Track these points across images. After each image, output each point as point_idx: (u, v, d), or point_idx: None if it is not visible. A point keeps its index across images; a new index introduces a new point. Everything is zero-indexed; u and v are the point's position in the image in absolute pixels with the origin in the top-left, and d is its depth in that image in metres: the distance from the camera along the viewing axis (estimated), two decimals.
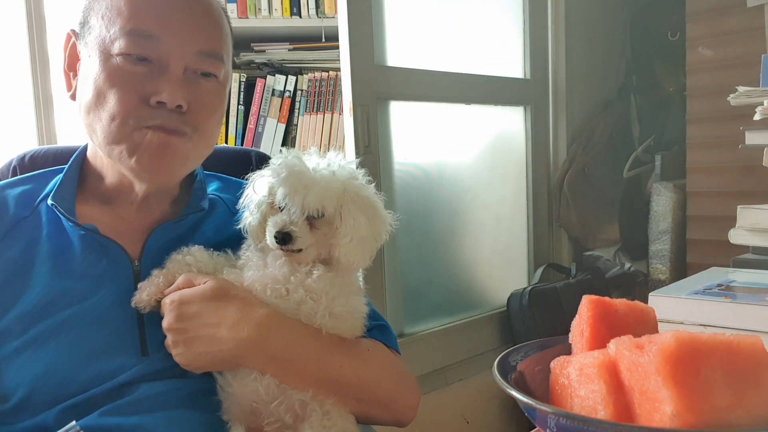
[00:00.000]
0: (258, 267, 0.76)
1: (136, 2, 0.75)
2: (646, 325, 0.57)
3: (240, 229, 0.80)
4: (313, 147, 0.80)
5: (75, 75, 0.82)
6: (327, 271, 0.75)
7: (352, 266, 0.77)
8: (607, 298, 0.57)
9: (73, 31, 0.82)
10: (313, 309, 0.74)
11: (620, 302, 0.58)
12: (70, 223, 0.78)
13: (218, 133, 0.86)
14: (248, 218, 0.78)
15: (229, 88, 0.86)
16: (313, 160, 0.76)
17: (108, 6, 0.76)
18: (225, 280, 0.75)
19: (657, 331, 0.58)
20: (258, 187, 0.78)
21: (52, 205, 0.79)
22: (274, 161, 0.76)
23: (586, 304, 0.57)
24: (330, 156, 0.78)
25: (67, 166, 0.85)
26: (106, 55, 0.75)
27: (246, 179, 0.82)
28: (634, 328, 0.55)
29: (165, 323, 0.72)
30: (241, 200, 0.81)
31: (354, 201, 0.75)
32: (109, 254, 0.78)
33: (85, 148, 0.88)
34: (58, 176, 0.85)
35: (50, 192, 0.82)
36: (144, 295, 0.75)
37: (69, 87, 0.83)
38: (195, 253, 0.78)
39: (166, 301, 0.73)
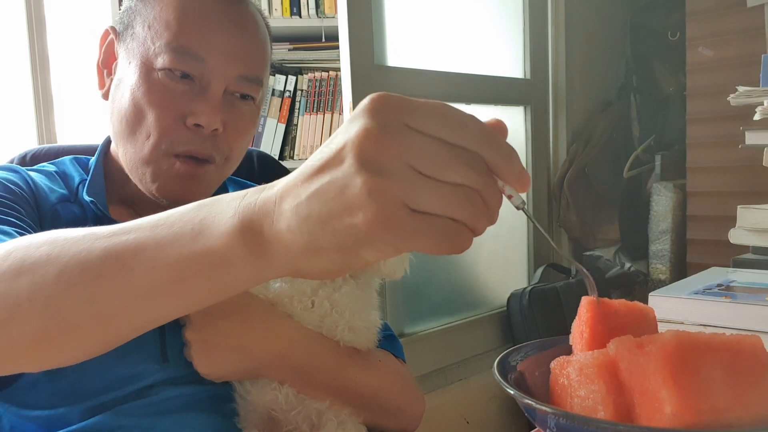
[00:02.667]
0: (285, 279, 0.76)
1: (185, 18, 0.74)
2: (647, 326, 0.57)
3: None
4: None
5: (109, 73, 0.81)
6: (355, 286, 0.77)
7: (392, 277, 0.79)
8: (606, 299, 0.57)
9: (113, 29, 0.81)
10: (335, 322, 0.75)
11: (620, 303, 0.57)
12: (106, 220, 0.78)
13: (246, 151, 0.86)
14: None
15: (262, 108, 0.86)
16: None
17: (156, 17, 0.75)
18: (246, 292, 0.75)
19: (657, 332, 0.58)
20: None
21: (91, 201, 0.78)
22: None
23: (585, 305, 0.57)
24: None
25: (93, 162, 0.84)
26: (147, 68, 0.75)
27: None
28: (634, 329, 0.55)
29: (188, 333, 0.71)
30: None
31: None
32: None
33: (106, 146, 0.87)
34: (70, 161, 0.84)
35: (81, 180, 0.82)
36: None
37: (101, 85, 0.82)
38: None
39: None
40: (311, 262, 0.42)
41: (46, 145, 1.04)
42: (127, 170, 0.80)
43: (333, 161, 0.39)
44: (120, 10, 0.82)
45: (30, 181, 0.77)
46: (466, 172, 0.39)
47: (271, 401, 0.72)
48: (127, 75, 0.76)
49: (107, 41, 0.82)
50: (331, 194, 0.39)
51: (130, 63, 0.77)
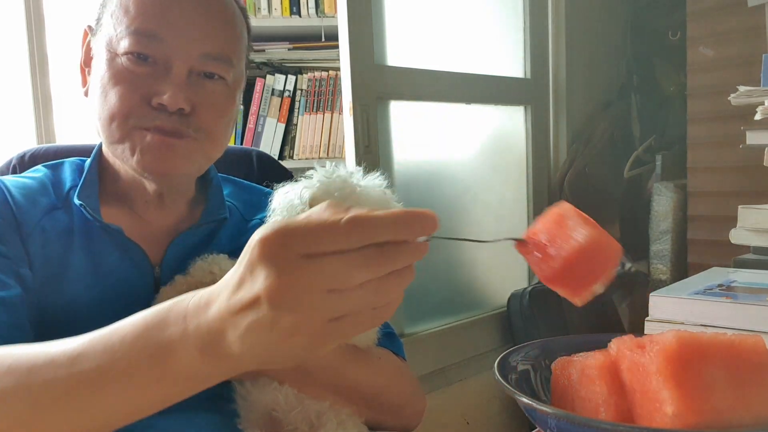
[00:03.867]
0: None
1: (143, 2, 0.75)
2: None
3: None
4: (343, 165, 0.79)
5: (90, 71, 0.82)
6: None
7: None
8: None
9: (90, 27, 0.82)
10: None
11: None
12: (98, 223, 0.78)
13: (229, 136, 0.85)
14: None
15: (240, 92, 0.85)
16: (354, 178, 0.76)
17: (118, 4, 0.76)
18: None
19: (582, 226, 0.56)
20: (297, 199, 0.76)
21: (81, 205, 0.78)
22: (318, 176, 0.75)
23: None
24: (357, 173, 0.78)
25: (87, 163, 0.84)
26: (112, 54, 0.75)
27: (266, 186, 0.81)
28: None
29: None
30: (269, 213, 0.78)
31: None
32: (132, 257, 0.78)
33: (101, 145, 0.87)
34: (70, 164, 0.85)
35: (75, 185, 0.82)
36: (165, 299, 0.74)
37: (84, 83, 0.83)
38: (220, 262, 0.77)
39: None
40: (271, 366, 0.48)
41: (46, 145, 1.04)
42: (112, 156, 0.80)
43: (253, 304, 0.43)
44: None
45: (10, 200, 0.77)
46: (369, 272, 0.43)
47: (272, 401, 0.72)
48: (98, 65, 0.77)
49: (87, 40, 0.83)
50: (264, 329, 0.44)
51: (98, 54, 0.78)
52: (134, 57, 0.74)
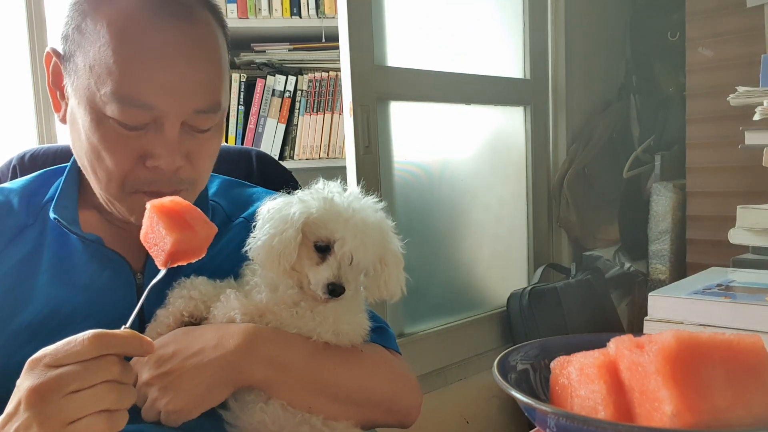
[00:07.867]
0: (263, 290, 0.76)
1: (126, 64, 0.69)
2: None
3: (236, 237, 0.79)
4: (337, 184, 0.77)
5: (62, 96, 0.78)
6: None
7: (392, 298, 0.80)
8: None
9: (56, 52, 0.77)
10: (320, 324, 0.74)
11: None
12: (74, 236, 0.77)
13: (212, 166, 0.83)
14: (277, 249, 0.73)
15: (224, 116, 0.83)
16: (349, 201, 0.75)
17: (95, 56, 0.70)
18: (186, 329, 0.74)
19: None
20: (294, 218, 0.74)
21: (55, 218, 0.77)
22: (316, 196, 0.74)
23: None
24: (355, 195, 0.77)
25: (66, 171, 0.83)
26: (98, 115, 0.71)
27: (254, 192, 0.81)
28: None
29: (145, 377, 0.67)
30: (259, 228, 0.76)
31: (391, 251, 0.79)
32: (113, 266, 0.77)
33: None
34: (60, 179, 0.84)
35: (53, 196, 0.81)
36: (154, 335, 0.73)
37: (57, 107, 0.79)
38: (199, 286, 0.76)
39: (140, 358, 0.67)
40: None
41: (46, 146, 1.04)
42: (99, 199, 0.79)
43: (17, 408, 0.55)
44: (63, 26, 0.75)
45: None
46: (102, 372, 0.55)
47: (259, 423, 0.70)
48: (79, 114, 0.74)
49: (52, 64, 0.78)
50: (24, 429, 0.54)
51: (78, 103, 0.73)
52: (125, 123, 0.71)
